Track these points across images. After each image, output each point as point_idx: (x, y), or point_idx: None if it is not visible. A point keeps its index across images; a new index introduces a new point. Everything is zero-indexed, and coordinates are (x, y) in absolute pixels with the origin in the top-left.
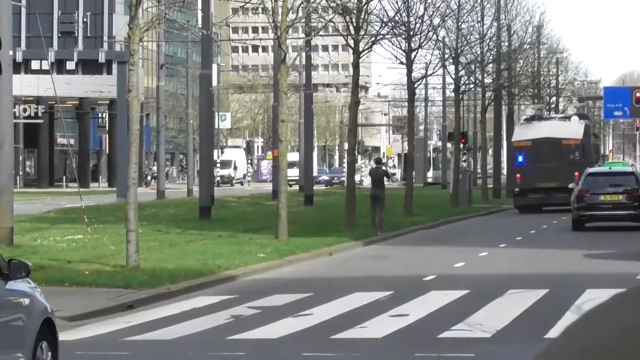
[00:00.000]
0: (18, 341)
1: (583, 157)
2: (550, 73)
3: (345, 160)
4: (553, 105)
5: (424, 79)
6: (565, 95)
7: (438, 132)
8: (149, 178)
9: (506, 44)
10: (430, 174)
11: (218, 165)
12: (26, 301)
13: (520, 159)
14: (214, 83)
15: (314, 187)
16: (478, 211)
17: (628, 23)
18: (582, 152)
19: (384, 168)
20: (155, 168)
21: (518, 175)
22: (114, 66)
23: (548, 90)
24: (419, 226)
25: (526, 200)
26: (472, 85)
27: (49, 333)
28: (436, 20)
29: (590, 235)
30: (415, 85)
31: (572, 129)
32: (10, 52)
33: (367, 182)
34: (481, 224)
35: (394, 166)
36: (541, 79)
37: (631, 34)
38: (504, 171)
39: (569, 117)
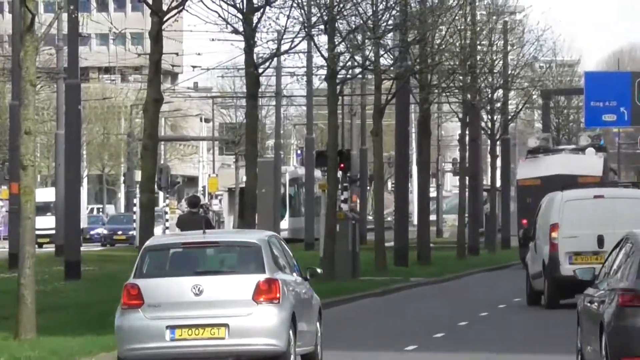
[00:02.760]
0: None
1: None
2: (494, 49)
3: (136, 201)
4: (499, 103)
5: (274, 59)
6: (519, 87)
7: (299, 152)
8: None
9: None
10: (285, 223)
11: None
12: (313, 294)
13: (528, 200)
14: None
15: (83, 248)
16: (368, 288)
17: None
18: None
19: (203, 214)
20: None
21: (524, 220)
22: None
23: (490, 79)
24: None
25: None
26: (358, 70)
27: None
28: None
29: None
30: (260, 70)
31: (589, 164)
32: None
33: None
34: (371, 311)
35: (220, 211)
36: (477, 58)
37: None
38: (416, 217)
39: (583, 149)
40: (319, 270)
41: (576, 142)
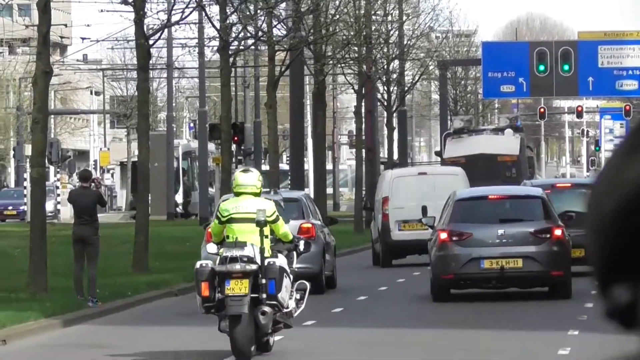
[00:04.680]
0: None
1: (519, 174)
2: (389, 19)
3: (26, 176)
4: (395, 75)
5: (165, 30)
6: (416, 58)
7: (192, 125)
8: None
9: None
10: (180, 197)
11: None
12: (331, 235)
13: None
14: None
15: None
16: None
17: None
18: (518, 168)
19: (95, 189)
20: None
21: None
22: None
23: (385, 50)
24: (161, 291)
25: None
26: (251, 41)
27: None
28: None
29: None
30: (151, 42)
31: (507, 144)
32: None
33: (68, 213)
34: None
35: (113, 185)
36: (372, 28)
37: None
38: (312, 190)
39: (502, 130)
40: (336, 220)
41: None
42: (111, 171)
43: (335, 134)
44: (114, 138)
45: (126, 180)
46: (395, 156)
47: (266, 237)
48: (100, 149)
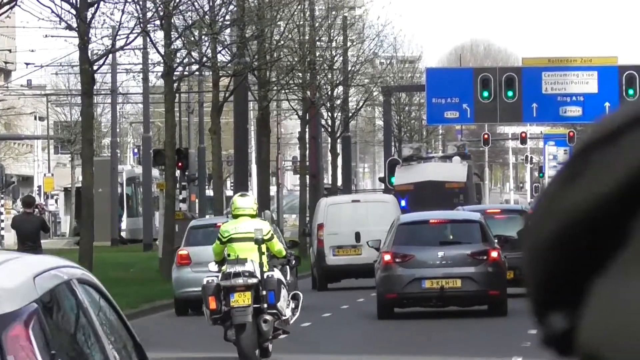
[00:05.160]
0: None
1: (466, 200)
2: (334, 45)
3: None
4: (339, 101)
5: (109, 55)
6: (360, 84)
7: (136, 150)
8: None
9: None
10: (123, 223)
11: None
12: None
13: (403, 203)
14: None
15: None
16: None
17: None
18: (466, 195)
19: (38, 214)
20: None
21: None
22: None
23: (330, 75)
24: None
25: None
26: (195, 67)
27: None
28: None
29: None
30: (95, 67)
31: (455, 171)
32: None
33: (12, 239)
34: None
35: (57, 211)
36: (316, 54)
37: None
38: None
39: (450, 157)
40: (297, 242)
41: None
42: (55, 197)
43: (279, 159)
44: (58, 163)
45: (70, 206)
46: (340, 182)
47: (263, 253)
48: (44, 174)
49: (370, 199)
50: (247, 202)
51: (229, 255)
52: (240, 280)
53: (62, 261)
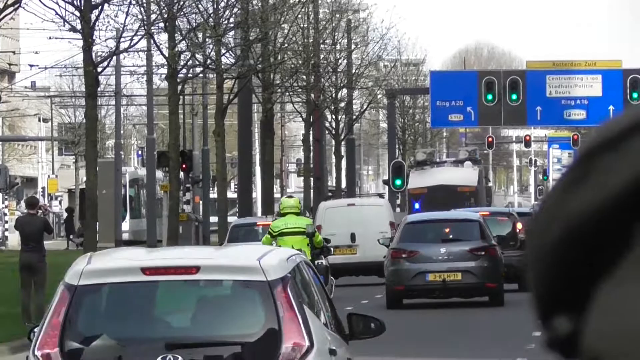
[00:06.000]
0: None
1: (477, 203)
2: (338, 48)
3: None
4: (343, 103)
5: (113, 57)
6: (364, 87)
7: (140, 152)
8: None
9: None
10: (126, 225)
11: None
12: None
13: (416, 206)
14: None
15: None
16: None
17: None
18: (476, 198)
19: (42, 216)
20: None
21: None
22: None
23: (334, 78)
24: None
25: None
26: (199, 69)
27: None
28: None
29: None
30: (99, 69)
31: (466, 176)
32: None
33: (16, 240)
34: None
35: (60, 212)
36: (320, 57)
37: None
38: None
39: (462, 162)
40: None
41: (456, 155)
42: (59, 198)
43: (283, 162)
44: (62, 165)
45: (75, 209)
46: (343, 185)
47: (308, 244)
48: (49, 176)
49: (365, 202)
50: (293, 202)
51: (279, 247)
52: None
53: (295, 251)
